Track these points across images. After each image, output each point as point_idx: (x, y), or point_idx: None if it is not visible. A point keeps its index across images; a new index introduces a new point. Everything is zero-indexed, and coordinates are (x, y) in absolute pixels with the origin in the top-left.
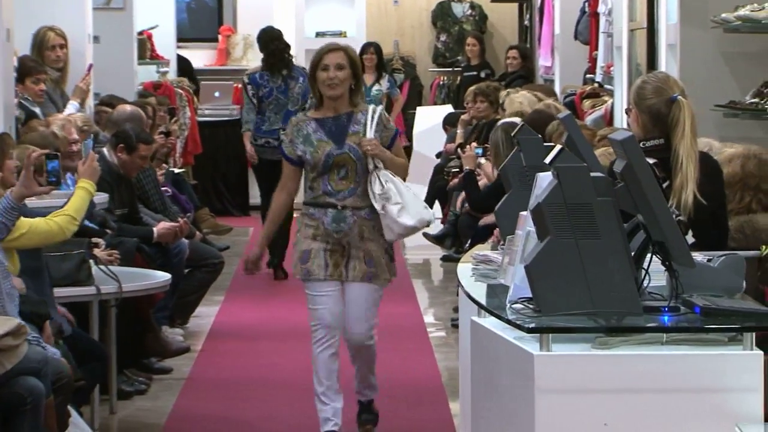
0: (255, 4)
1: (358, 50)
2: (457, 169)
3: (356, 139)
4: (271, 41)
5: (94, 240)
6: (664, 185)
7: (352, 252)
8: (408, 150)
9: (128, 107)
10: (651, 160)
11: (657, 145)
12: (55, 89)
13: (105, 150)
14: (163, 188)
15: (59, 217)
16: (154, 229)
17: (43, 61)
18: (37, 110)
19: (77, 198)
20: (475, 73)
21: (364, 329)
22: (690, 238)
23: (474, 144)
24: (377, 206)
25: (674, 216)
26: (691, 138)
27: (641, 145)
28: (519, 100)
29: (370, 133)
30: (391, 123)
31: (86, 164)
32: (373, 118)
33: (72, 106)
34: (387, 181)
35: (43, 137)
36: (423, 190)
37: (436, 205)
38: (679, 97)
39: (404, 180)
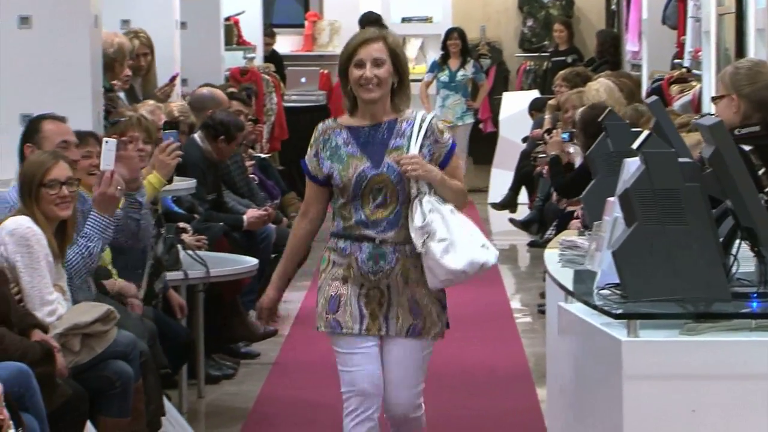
0: None
1: (440, 38)
2: (544, 155)
3: (398, 156)
4: (370, 26)
5: (182, 225)
6: (761, 172)
7: (394, 299)
8: (494, 135)
9: (205, 90)
10: (747, 147)
11: (753, 132)
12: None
13: (196, 136)
14: (251, 175)
15: None
16: (244, 217)
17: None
18: (122, 95)
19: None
20: (563, 58)
21: (408, 398)
22: None
23: (560, 129)
24: (416, 243)
25: (763, 201)
26: None
27: (737, 131)
28: (595, 87)
29: (414, 148)
30: (446, 135)
31: (163, 155)
32: (420, 127)
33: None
34: (431, 210)
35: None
36: (509, 177)
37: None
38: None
39: (461, 209)
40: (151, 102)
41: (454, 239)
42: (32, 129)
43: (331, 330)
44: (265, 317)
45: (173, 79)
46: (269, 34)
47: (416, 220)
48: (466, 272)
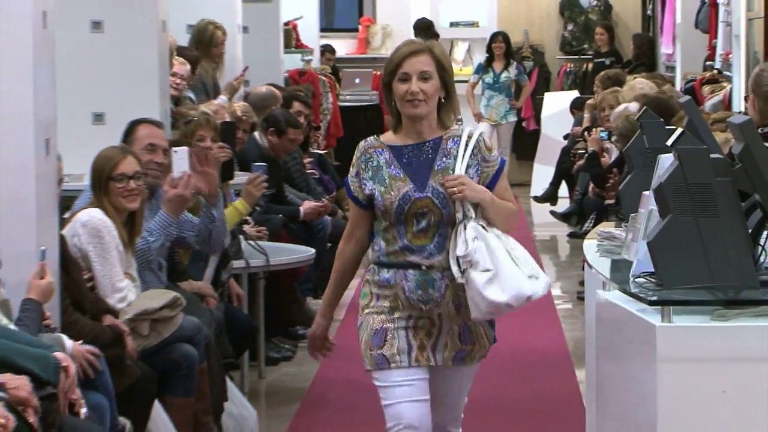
0: None
1: (485, 42)
2: (583, 151)
3: (443, 178)
4: (422, 31)
5: (244, 217)
6: None
7: (445, 327)
8: (536, 133)
9: (263, 88)
10: None
11: None
12: (210, 79)
13: (256, 134)
14: (309, 171)
15: None
16: (301, 208)
17: (209, 56)
18: (191, 95)
19: (228, 216)
20: (603, 60)
21: (447, 419)
22: None
23: (600, 128)
24: (456, 273)
25: None
26: None
27: (759, 130)
28: (640, 85)
29: (460, 168)
30: (494, 153)
31: (251, 187)
32: (467, 145)
33: (220, 99)
34: (476, 237)
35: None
36: (550, 171)
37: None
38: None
39: (509, 231)
40: (216, 102)
41: (499, 268)
42: (128, 131)
43: (377, 366)
44: (318, 346)
45: (245, 70)
46: (330, 50)
47: (458, 249)
48: (510, 305)
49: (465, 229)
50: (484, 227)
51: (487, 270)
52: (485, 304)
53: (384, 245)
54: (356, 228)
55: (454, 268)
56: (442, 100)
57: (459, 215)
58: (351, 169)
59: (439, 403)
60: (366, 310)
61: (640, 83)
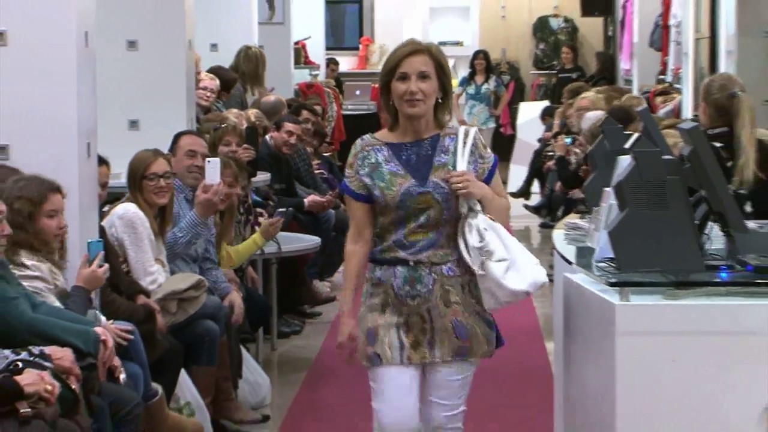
0: (389, 19)
1: (468, 59)
2: (553, 153)
3: (443, 174)
4: None
5: (259, 210)
6: (729, 164)
7: (437, 323)
8: (512, 137)
9: (272, 97)
10: (718, 144)
11: (722, 132)
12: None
13: (267, 137)
14: (318, 171)
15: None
16: (305, 200)
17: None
18: (220, 106)
19: (245, 246)
20: (569, 75)
21: (446, 416)
22: (748, 208)
23: (564, 135)
24: (474, 265)
25: (733, 191)
26: (750, 127)
27: (708, 132)
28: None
29: (461, 164)
30: (488, 150)
31: (270, 227)
32: (465, 143)
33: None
34: (486, 228)
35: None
36: (524, 171)
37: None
38: (739, 92)
39: (504, 225)
40: (235, 110)
41: (515, 258)
42: (174, 140)
43: (370, 363)
44: (350, 346)
45: (270, 90)
46: (334, 62)
47: (473, 240)
48: (528, 293)
49: (476, 222)
50: (492, 219)
51: (504, 260)
52: (505, 294)
53: (378, 244)
54: (363, 227)
55: (471, 261)
56: (439, 100)
57: (464, 210)
58: (347, 169)
59: (437, 398)
60: (363, 308)
61: (589, 96)
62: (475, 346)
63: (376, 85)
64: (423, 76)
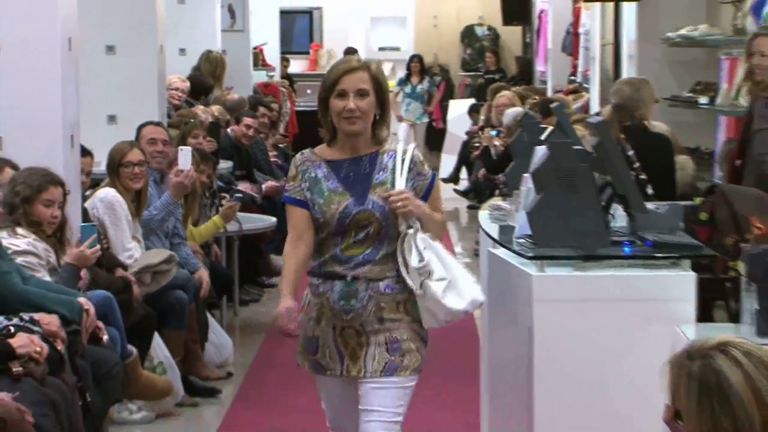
0: (336, 27)
1: (405, 62)
2: (479, 144)
3: (382, 191)
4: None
5: (222, 194)
6: (630, 153)
7: (371, 338)
8: (443, 131)
9: (236, 96)
10: (623, 136)
11: (625, 125)
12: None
13: (229, 130)
14: (273, 160)
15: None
16: (263, 186)
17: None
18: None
19: (207, 227)
20: (492, 76)
21: (382, 425)
22: (650, 191)
23: (490, 128)
24: (413, 285)
25: (632, 176)
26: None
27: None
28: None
29: (400, 182)
30: (426, 167)
31: (227, 208)
32: (404, 160)
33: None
34: (426, 248)
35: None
36: (454, 159)
37: (466, 183)
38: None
39: (441, 239)
40: (201, 107)
41: (453, 278)
42: (138, 130)
43: (314, 370)
44: (289, 317)
45: (229, 88)
46: (287, 60)
47: (413, 261)
48: (467, 311)
49: (415, 241)
50: (431, 238)
51: (443, 279)
52: (444, 313)
53: (318, 256)
54: (305, 231)
55: (410, 281)
56: (377, 117)
57: (403, 227)
58: (290, 182)
59: (372, 413)
60: (302, 313)
61: (506, 93)
62: (406, 361)
63: None
64: (361, 94)
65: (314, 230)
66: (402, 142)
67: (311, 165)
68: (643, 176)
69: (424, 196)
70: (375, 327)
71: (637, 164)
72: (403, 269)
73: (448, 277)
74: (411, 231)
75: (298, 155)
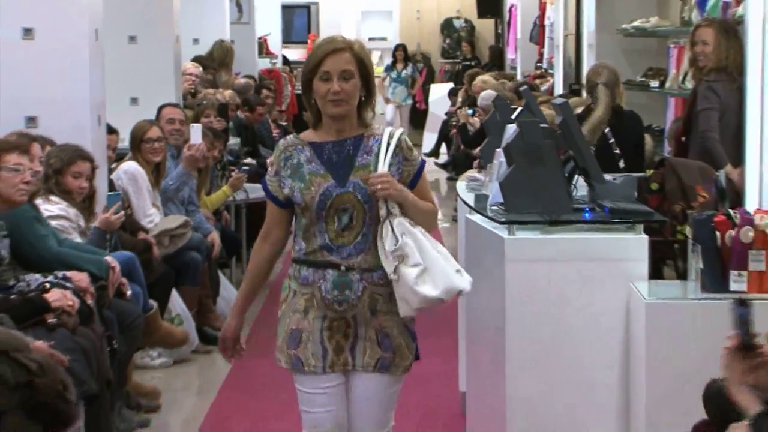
0: (331, 19)
1: (391, 50)
2: (456, 123)
3: (365, 174)
4: None
5: (231, 167)
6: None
7: (360, 331)
8: (425, 111)
9: (242, 80)
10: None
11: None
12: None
13: (239, 113)
14: (276, 135)
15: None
16: (268, 160)
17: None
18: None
19: (217, 196)
20: (468, 63)
21: (371, 426)
22: (622, 164)
23: (466, 108)
24: (388, 269)
25: (592, 151)
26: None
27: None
28: (483, 79)
29: (382, 166)
30: (414, 153)
31: (235, 179)
32: (389, 144)
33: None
34: (404, 233)
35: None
36: (434, 136)
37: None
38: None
39: (430, 230)
40: (211, 90)
41: (429, 264)
42: (158, 111)
43: (292, 367)
44: (230, 348)
45: (237, 74)
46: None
47: (387, 244)
48: (442, 299)
49: (392, 225)
50: (410, 223)
51: (417, 264)
52: (417, 300)
53: (304, 244)
54: (273, 227)
55: (386, 265)
56: (362, 98)
57: (383, 212)
58: (269, 168)
59: (361, 409)
60: (284, 305)
61: (485, 78)
62: (398, 359)
63: None
64: (346, 76)
65: (297, 217)
66: (389, 128)
67: (294, 150)
68: (617, 151)
69: (411, 184)
70: (367, 318)
71: (612, 140)
72: (381, 253)
73: (424, 264)
74: (391, 215)
75: (281, 141)
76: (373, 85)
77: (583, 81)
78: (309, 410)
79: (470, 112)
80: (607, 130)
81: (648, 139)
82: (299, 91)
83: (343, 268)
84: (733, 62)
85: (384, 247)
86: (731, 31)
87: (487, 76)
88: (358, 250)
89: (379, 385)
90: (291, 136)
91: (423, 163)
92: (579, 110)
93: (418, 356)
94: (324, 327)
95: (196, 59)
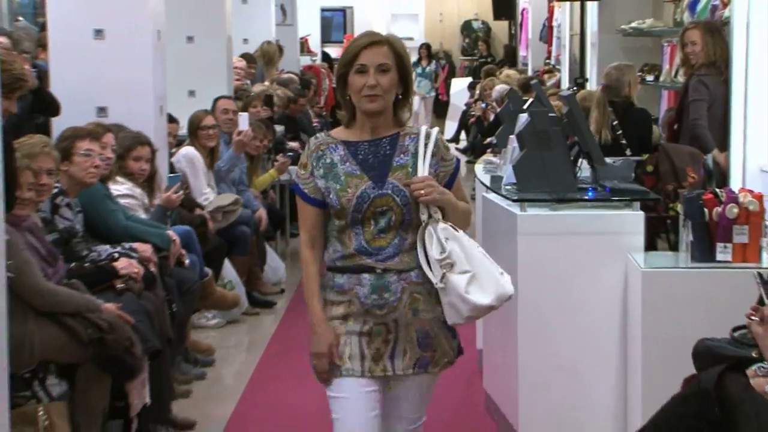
0: (364, 21)
1: (416, 49)
2: (474, 113)
3: (402, 176)
4: None
5: (277, 153)
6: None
7: (401, 334)
8: (447, 102)
9: (285, 75)
10: (610, 109)
11: (614, 101)
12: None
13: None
14: (315, 125)
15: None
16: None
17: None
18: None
19: (264, 178)
20: (484, 59)
21: (409, 428)
22: (629, 152)
23: (480, 101)
24: (434, 278)
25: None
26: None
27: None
28: (510, 72)
29: (423, 169)
30: (450, 152)
31: (280, 163)
32: (427, 145)
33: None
34: (448, 238)
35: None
36: (455, 125)
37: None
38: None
39: (465, 229)
40: (258, 84)
41: (477, 270)
42: (214, 102)
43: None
44: (327, 366)
45: (281, 71)
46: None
47: (434, 252)
48: (493, 306)
49: (435, 231)
50: (453, 228)
51: (466, 272)
52: (467, 308)
53: (339, 248)
54: (316, 231)
55: (431, 274)
56: (399, 96)
57: (424, 216)
58: (300, 170)
59: (398, 413)
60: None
61: (509, 72)
62: (438, 356)
63: None
64: (383, 69)
65: (331, 220)
66: (424, 127)
67: (327, 148)
68: (623, 141)
69: (447, 183)
70: (408, 320)
71: (619, 132)
72: (423, 261)
73: (472, 270)
74: (432, 220)
75: (312, 139)
76: (410, 82)
77: (589, 75)
78: (341, 417)
79: (484, 105)
80: (615, 123)
81: (656, 130)
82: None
83: (379, 270)
84: (720, 57)
85: (428, 254)
86: (715, 31)
87: (511, 71)
88: (395, 252)
89: (416, 385)
90: (322, 133)
91: (458, 162)
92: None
93: (461, 351)
94: (364, 332)
95: (243, 56)
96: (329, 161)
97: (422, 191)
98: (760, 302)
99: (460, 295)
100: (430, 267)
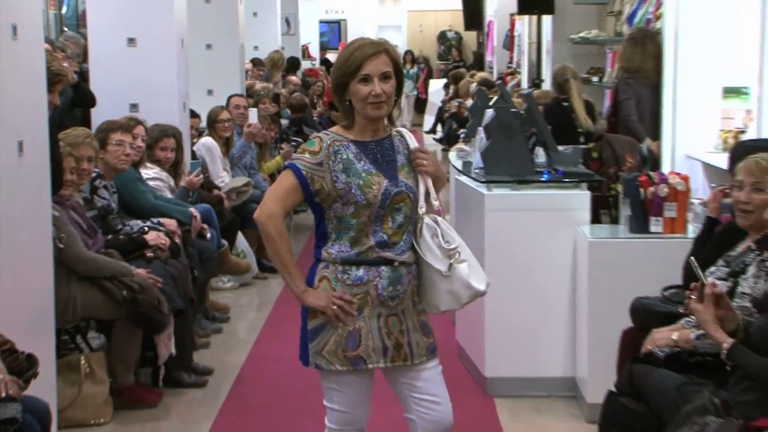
0: (356, 31)
1: (401, 54)
2: (448, 109)
3: (405, 174)
4: None
5: (283, 142)
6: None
7: (409, 324)
8: (425, 100)
9: (294, 78)
10: (565, 104)
11: (564, 98)
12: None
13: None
14: (316, 119)
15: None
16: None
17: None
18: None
19: (272, 164)
20: (457, 64)
21: (448, 410)
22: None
23: (457, 98)
24: (441, 266)
25: (549, 129)
26: (578, 95)
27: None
28: (481, 74)
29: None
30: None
31: (285, 151)
32: (406, 138)
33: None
34: (449, 228)
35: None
36: (432, 119)
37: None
38: (570, 79)
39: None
40: (263, 83)
41: (469, 259)
42: (228, 99)
43: (353, 367)
44: (340, 307)
45: (284, 75)
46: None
47: (442, 242)
48: (485, 292)
49: (437, 222)
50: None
51: (464, 260)
52: (468, 294)
53: (355, 245)
54: (287, 198)
55: (437, 264)
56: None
57: (422, 210)
58: (308, 156)
59: (434, 397)
60: (321, 315)
61: (479, 75)
62: (435, 342)
63: None
64: (386, 77)
65: (343, 215)
66: (401, 128)
67: (341, 145)
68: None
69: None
70: (411, 310)
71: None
72: (427, 251)
73: (468, 259)
74: (429, 214)
75: (323, 134)
76: (402, 84)
77: (544, 77)
78: (347, 411)
79: (456, 102)
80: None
81: (602, 123)
82: None
83: (396, 263)
84: (643, 62)
85: (435, 245)
86: (638, 40)
87: (482, 73)
88: (407, 247)
89: (434, 368)
90: (331, 131)
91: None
92: (565, 104)
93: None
94: (381, 325)
95: (252, 60)
96: (345, 157)
97: (425, 161)
98: (695, 280)
99: (466, 283)
100: (435, 257)
